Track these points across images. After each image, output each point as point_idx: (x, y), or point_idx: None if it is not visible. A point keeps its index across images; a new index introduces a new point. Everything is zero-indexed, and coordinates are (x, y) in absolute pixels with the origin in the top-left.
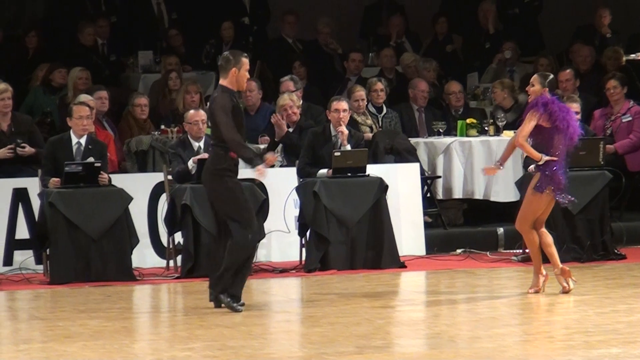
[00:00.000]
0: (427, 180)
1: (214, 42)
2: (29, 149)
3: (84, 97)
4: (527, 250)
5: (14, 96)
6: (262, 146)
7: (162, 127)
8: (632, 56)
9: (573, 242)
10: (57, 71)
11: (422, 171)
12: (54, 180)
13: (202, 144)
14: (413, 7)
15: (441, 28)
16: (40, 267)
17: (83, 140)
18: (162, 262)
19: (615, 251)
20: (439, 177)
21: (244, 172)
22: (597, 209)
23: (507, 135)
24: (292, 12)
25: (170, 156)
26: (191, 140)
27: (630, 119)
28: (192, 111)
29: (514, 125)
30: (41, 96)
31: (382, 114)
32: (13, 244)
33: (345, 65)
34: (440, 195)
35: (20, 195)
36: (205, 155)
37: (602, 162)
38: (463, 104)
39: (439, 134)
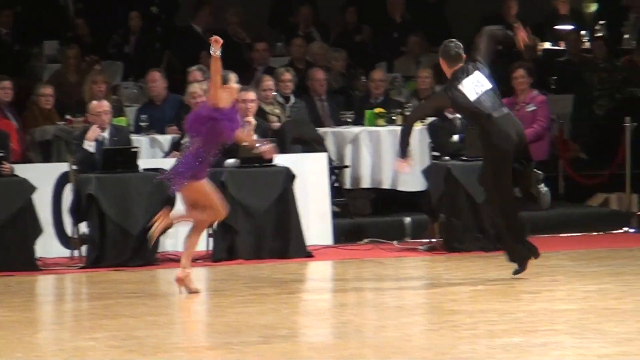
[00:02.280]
0: (335, 170)
1: (121, 32)
2: None
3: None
4: (433, 240)
5: None
6: (169, 136)
7: (68, 117)
8: (547, 45)
9: (478, 231)
10: None
11: (330, 161)
12: None
13: (106, 134)
14: None
15: (350, 18)
16: None
17: None
18: (67, 253)
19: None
20: (347, 166)
21: (153, 162)
22: None
23: (415, 125)
24: (202, 2)
25: (75, 146)
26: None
27: (534, 108)
28: (95, 102)
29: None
30: None
31: (290, 104)
32: None
33: (251, 56)
34: (348, 184)
35: None
36: (98, 130)
37: None
38: (383, 92)
39: (347, 123)
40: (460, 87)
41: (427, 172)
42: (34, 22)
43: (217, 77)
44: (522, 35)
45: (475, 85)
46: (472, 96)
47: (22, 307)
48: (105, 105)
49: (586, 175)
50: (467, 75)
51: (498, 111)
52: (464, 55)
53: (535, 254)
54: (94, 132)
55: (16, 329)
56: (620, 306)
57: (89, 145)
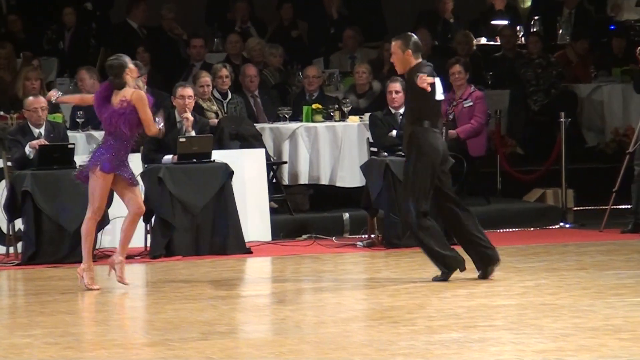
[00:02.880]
0: (273, 166)
1: (55, 28)
2: None
3: None
4: (372, 236)
5: None
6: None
7: (1, 113)
8: (483, 40)
9: None
10: None
11: (268, 157)
12: None
13: (42, 130)
14: None
15: (286, 14)
16: None
17: None
18: (2, 249)
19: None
20: (285, 162)
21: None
22: None
23: (353, 120)
24: None
25: (10, 142)
26: (31, 127)
27: (471, 104)
28: (31, 98)
29: (365, 110)
30: None
31: (227, 100)
32: None
33: (188, 52)
34: (286, 180)
35: None
36: (44, 141)
37: None
38: (317, 88)
39: (284, 119)
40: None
41: (365, 168)
42: None
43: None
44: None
45: (439, 88)
46: (438, 96)
47: None
48: (41, 101)
49: (523, 171)
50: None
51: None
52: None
53: None
54: (39, 142)
55: None
56: (557, 301)
57: (29, 151)
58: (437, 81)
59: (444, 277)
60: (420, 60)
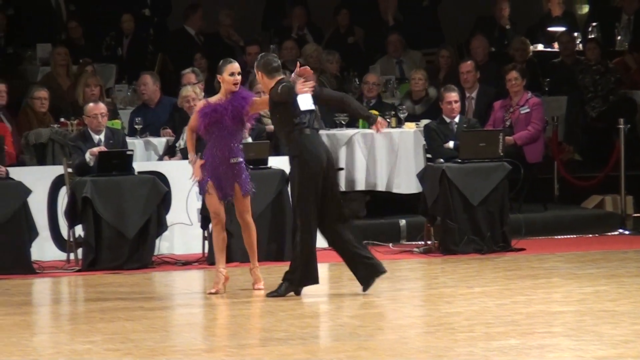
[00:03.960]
0: None
1: (114, 35)
2: None
3: None
4: (429, 242)
5: None
6: (163, 139)
7: (62, 119)
8: (541, 46)
9: (474, 233)
10: None
11: None
12: None
13: (102, 136)
14: None
15: (343, 20)
16: None
17: None
18: (62, 256)
19: (511, 246)
20: (342, 169)
21: (147, 164)
22: (496, 200)
23: (409, 127)
24: (195, 4)
25: (71, 149)
26: (91, 133)
27: (528, 110)
28: (91, 104)
29: (421, 117)
30: None
31: None
32: None
33: (244, 58)
34: (342, 187)
35: None
36: (103, 148)
37: (501, 154)
38: (376, 95)
39: (341, 125)
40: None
41: (422, 175)
42: (27, 25)
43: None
44: (378, 126)
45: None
46: (303, 106)
47: (19, 310)
48: (101, 107)
49: (581, 177)
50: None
51: (310, 129)
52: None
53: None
54: (99, 149)
55: (13, 332)
56: (616, 308)
57: (89, 158)
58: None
59: (279, 293)
60: (278, 78)
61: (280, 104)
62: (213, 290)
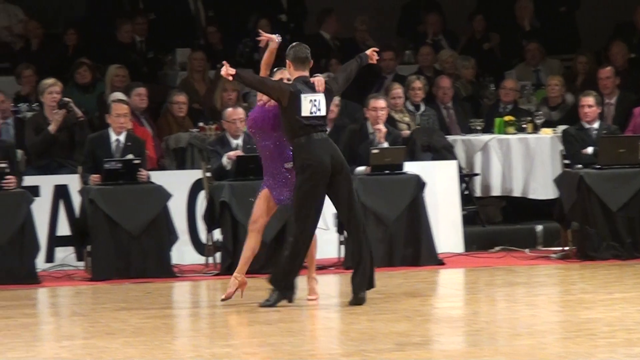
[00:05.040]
0: (465, 178)
1: (247, 41)
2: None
3: (120, 95)
4: (566, 248)
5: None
6: None
7: (200, 124)
8: None
9: (613, 239)
10: (81, 69)
11: (460, 169)
12: (94, 177)
13: (240, 141)
14: (450, 4)
15: (478, 25)
16: (82, 263)
17: (122, 137)
18: (201, 259)
19: None
20: (477, 174)
21: None
22: (637, 206)
23: (546, 133)
24: (330, 10)
25: (209, 153)
26: (229, 138)
27: None
28: (230, 109)
29: (558, 123)
30: (77, 94)
31: (420, 112)
32: (54, 240)
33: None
34: (478, 192)
35: (61, 192)
36: (240, 152)
37: None
38: (512, 100)
39: (476, 131)
40: (302, 96)
41: (559, 180)
42: (166, 30)
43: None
44: (372, 54)
45: (313, 104)
46: (305, 112)
47: (160, 313)
48: (240, 112)
49: None
50: (311, 91)
51: (318, 134)
52: (311, 62)
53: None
54: (236, 153)
55: (155, 336)
56: None
57: (227, 162)
58: (304, 97)
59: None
60: (300, 73)
61: (286, 106)
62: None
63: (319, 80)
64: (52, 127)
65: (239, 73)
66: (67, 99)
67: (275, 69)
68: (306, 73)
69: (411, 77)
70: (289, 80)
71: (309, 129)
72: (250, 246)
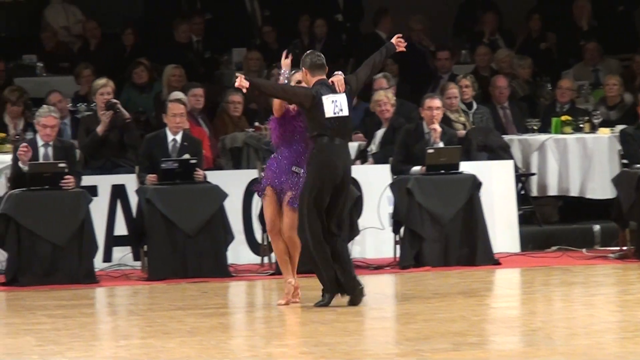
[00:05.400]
0: (521, 177)
1: (297, 42)
2: (125, 112)
3: (179, 94)
4: (624, 248)
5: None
6: (355, 144)
7: (256, 124)
8: None
9: None
10: (138, 69)
11: (516, 168)
12: (151, 177)
13: None
14: (507, 4)
15: (535, 25)
16: (138, 263)
17: (178, 137)
18: (256, 259)
19: None
20: (534, 174)
21: None
22: None
23: (603, 132)
24: (385, 9)
25: (265, 153)
26: None
27: None
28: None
29: (616, 123)
30: (134, 94)
31: (472, 110)
32: (112, 240)
33: (436, 63)
34: (534, 192)
35: (118, 192)
36: None
37: None
38: (569, 100)
39: (532, 131)
40: (323, 98)
41: (617, 180)
42: (223, 30)
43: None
44: (398, 42)
45: (335, 105)
46: (328, 113)
47: (217, 313)
48: None
49: None
50: (331, 92)
51: (339, 139)
52: (327, 68)
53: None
54: None
55: (212, 335)
56: None
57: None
58: (326, 99)
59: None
60: (318, 78)
61: (309, 108)
62: (283, 302)
63: (338, 80)
64: (99, 128)
65: (255, 82)
66: (114, 100)
67: (293, 71)
68: (324, 77)
69: (458, 76)
70: (298, 82)
71: (333, 131)
72: (280, 250)
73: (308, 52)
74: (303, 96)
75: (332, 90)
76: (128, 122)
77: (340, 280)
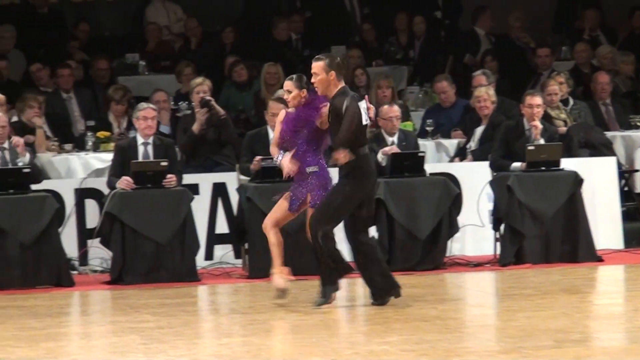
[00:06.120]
0: (625, 174)
1: (393, 40)
2: (219, 109)
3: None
4: None
5: (211, 90)
6: (454, 141)
7: None
8: None
9: None
10: (238, 67)
11: (619, 164)
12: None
13: (395, 138)
14: (609, 0)
15: (638, 21)
16: (240, 261)
17: None
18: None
19: None
20: (637, 170)
21: (439, 166)
22: None
23: None
24: (484, 6)
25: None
26: (385, 135)
27: None
28: (386, 106)
29: None
30: (234, 93)
31: (569, 107)
32: (213, 238)
33: (535, 60)
34: (638, 188)
35: (219, 190)
36: (396, 149)
37: None
38: None
39: (636, 127)
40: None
41: None
42: (322, 28)
43: None
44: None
45: (365, 113)
46: (365, 120)
47: (318, 310)
48: (396, 110)
49: None
50: (359, 100)
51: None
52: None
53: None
54: (391, 149)
55: (312, 333)
56: None
57: (382, 158)
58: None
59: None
60: (343, 84)
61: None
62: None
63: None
64: (195, 127)
65: (344, 143)
66: (208, 98)
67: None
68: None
69: (553, 73)
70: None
71: (367, 140)
72: (280, 242)
73: (332, 55)
74: (358, 117)
75: (360, 97)
76: (223, 119)
77: (379, 284)
